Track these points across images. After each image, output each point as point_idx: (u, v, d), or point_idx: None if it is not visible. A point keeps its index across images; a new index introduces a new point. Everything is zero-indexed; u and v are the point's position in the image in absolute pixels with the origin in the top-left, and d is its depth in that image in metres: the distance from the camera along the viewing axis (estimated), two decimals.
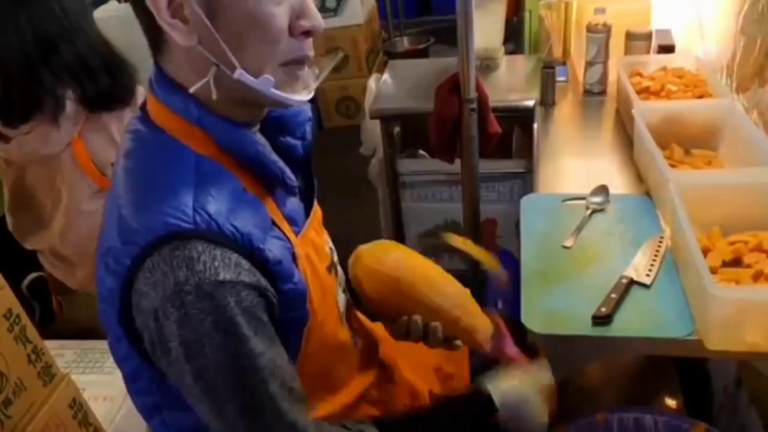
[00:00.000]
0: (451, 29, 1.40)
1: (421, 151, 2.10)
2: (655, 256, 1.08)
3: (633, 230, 1.17)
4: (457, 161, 1.45)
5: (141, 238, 0.67)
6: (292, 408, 0.72)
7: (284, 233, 0.76)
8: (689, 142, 1.32)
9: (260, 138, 0.77)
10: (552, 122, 1.67)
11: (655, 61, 1.59)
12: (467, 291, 0.96)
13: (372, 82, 2.10)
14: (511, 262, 1.28)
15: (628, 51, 1.69)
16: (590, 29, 1.66)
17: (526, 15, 2.15)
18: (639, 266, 1.06)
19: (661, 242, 1.11)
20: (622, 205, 1.24)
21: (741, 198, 1.06)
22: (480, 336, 0.94)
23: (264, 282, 0.70)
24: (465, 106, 1.34)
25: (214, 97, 0.70)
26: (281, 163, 0.77)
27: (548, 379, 0.97)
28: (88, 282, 1.53)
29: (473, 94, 1.34)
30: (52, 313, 1.67)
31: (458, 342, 0.93)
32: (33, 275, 1.63)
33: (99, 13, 2.41)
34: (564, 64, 1.90)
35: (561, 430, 1.17)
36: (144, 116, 0.77)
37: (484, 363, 1.01)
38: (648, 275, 1.04)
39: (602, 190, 1.26)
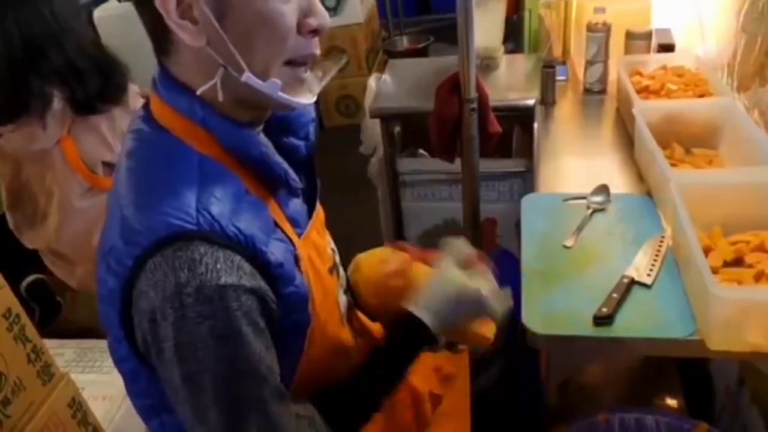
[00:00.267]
0: (450, 28, 1.40)
1: (421, 151, 2.09)
2: (656, 255, 1.08)
3: (634, 230, 1.16)
4: (458, 160, 1.45)
5: (143, 238, 0.66)
6: (280, 411, 0.71)
7: (287, 235, 0.76)
8: (690, 142, 1.31)
9: (264, 139, 0.77)
10: (552, 121, 1.67)
11: (655, 60, 1.58)
12: None
13: (372, 81, 2.09)
14: (511, 262, 1.28)
15: (628, 50, 1.69)
16: (590, 28, 1.66)
17: (526, 14, 2.14)
18: (640, 266, 1.06)
19: (662, 242, 1.11)
20: (623, 205, 1.24)
21: (742, 197, 1.06)
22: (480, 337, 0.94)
23: (264, 286, 0.69)
24: (465, 105, 1.34)
25: (221, 98, 0.70)
26: (285, 164, 0.77)
27: (456, 273, 0.89)
28: (88, 279, 1.53)
29: (473, 94, 1.33)
30: (51, 314, 1.66)
31: (459, 345, 0.93)
32: (31, 277, 1.63)
33: (99, 12, 2.34)
34: (564, 63, 1.90)
35: (562, 430, 1.17)
36: (147, 116, 0.76)
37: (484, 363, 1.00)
38: (649, 275, 1.04)
39: (603, 189, 1.25)
